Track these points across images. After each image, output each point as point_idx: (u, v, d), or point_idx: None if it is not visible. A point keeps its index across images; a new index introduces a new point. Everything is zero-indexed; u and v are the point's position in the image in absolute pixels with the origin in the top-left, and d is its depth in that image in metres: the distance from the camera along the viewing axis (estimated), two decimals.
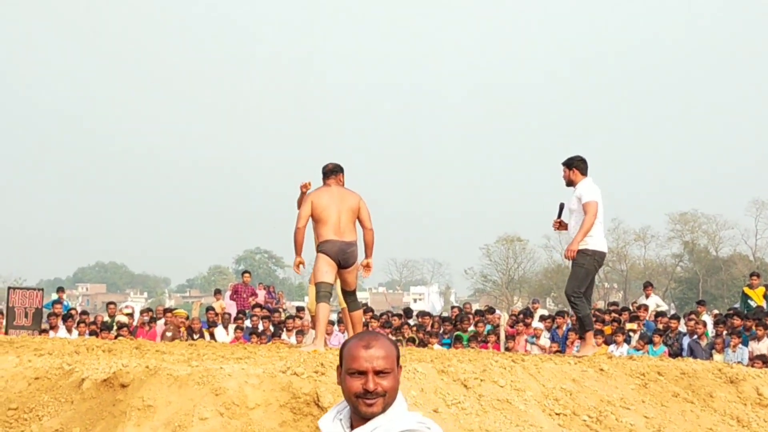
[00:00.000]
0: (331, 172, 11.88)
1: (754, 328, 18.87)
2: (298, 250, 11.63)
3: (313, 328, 13.13)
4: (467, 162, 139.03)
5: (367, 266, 11.87)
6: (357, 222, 11.78)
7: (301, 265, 11.68)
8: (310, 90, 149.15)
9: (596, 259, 12.07)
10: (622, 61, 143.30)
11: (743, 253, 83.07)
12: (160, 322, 22.63)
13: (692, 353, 18.07)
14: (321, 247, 11.64)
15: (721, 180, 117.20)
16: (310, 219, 11.67)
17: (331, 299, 12.30)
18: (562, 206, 12.45)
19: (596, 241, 12.06)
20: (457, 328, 21.25)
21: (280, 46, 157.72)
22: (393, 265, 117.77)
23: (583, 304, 12.19)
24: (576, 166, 12.26)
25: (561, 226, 12.49)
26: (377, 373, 3.91)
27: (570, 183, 12.29)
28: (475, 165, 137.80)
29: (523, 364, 9.56)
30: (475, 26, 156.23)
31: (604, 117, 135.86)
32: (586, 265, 12.00)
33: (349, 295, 12.28)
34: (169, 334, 21.15)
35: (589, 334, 12.32)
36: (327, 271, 11.61)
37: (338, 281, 12.21)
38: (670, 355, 17.65)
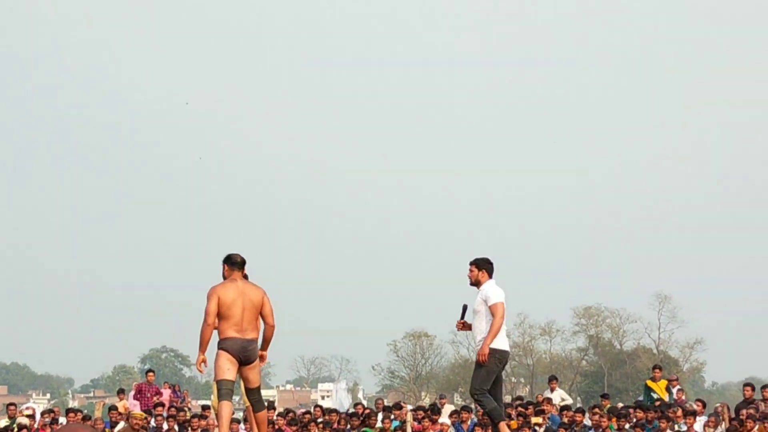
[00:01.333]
0: (241, 264, 11.70)
1: (656, 420, 19.13)
2: (203, 347, 11.47)
3: (218, 426, 12.99)
4: (373, 257, 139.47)
5: (261, 357, 11.77)
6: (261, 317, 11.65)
7: (203, 363, 11.55)
8: (211, 184, 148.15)
9: (497, 357, 12.51)
10: (530, 154, 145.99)
11: (647, 346, 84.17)
12: (62, 421, 22.23)
13: None
14: (221, 344, 11.48)
15: (624, 274, 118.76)
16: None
17: (239, 397, 12.21)
18: (465, 307, 12.96)
19: (498, 340, 12.54)
20: (365, 424, 21.24)
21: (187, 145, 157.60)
22: (300, 362, 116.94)
23: (488, 399, 12.59)
24: (485, 267, 12.77)
25: (464, 326, 13.07)
26: None
27: (476, 283, 12.76)
28: (382, 260, 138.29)
29: None
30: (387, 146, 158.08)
31: (509, 211, 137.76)
32: (487, 364, 12.43)
33: (252, 393, 11.95)
34: None
35: (501, 425, 12.63)
36: (228, 369, 11.44)
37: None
38: None
